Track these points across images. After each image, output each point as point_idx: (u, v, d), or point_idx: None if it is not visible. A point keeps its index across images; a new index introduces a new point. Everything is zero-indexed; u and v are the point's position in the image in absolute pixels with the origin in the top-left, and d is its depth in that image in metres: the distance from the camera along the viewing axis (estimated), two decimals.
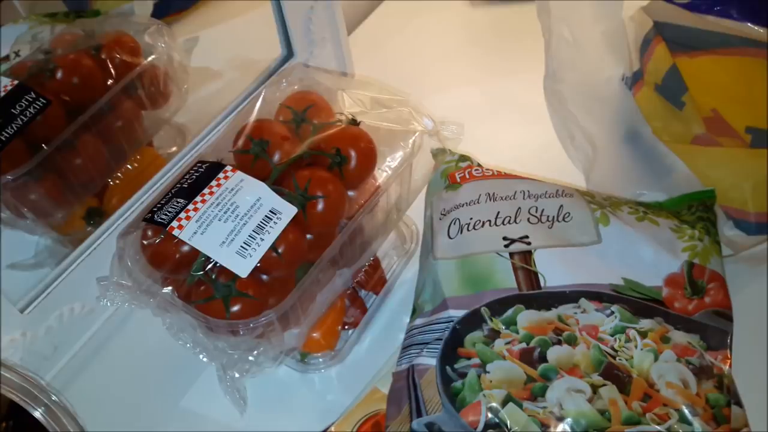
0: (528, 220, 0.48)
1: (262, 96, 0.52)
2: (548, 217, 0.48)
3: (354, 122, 0.50)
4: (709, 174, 0.52)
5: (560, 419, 0.39)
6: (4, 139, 0.49)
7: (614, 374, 0.41)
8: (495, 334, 0.43)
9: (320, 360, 0.53)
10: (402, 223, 0.60)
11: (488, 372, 0.41)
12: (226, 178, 0.46)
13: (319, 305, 0.49)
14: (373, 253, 0.57)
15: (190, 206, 0.44)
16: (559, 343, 0.42)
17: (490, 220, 0.48)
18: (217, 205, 0.44)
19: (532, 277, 0.45)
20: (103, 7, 0.60)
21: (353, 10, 0.85)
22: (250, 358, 0.46)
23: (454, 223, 0.49)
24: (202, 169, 0.46)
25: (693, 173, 0.53)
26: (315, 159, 0.48)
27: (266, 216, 0.44)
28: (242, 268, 0.42)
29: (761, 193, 0.51)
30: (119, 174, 0.60)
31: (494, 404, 0.40)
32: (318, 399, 0.52)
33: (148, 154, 0.62)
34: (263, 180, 0.46)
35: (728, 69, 0.54)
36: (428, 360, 0.43)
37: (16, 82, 0.51)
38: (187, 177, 0.46)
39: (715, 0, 0.54)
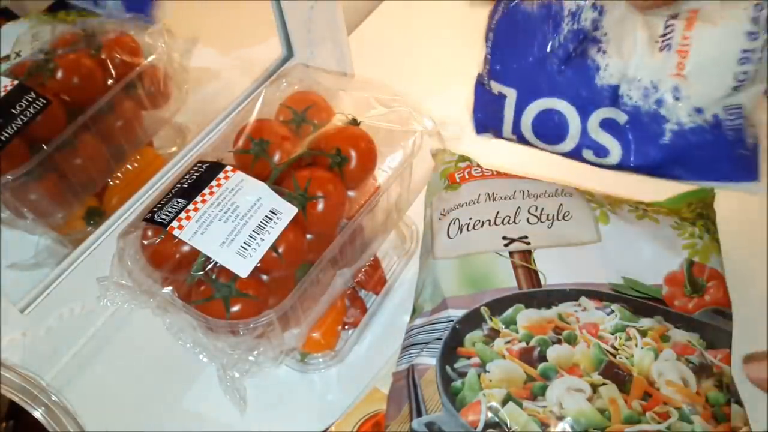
0: (527, 219, 0.48)
1: (262, 96, 0.52)
2: (548, 216, 0.48)
3: (354, 122, 0.50)
4: None
5: (560, 418, 0.39)
6: (4, 139, 0.49)
7: (614, 373, 0.41)
8: (495, 333, 0.43)
9: (320, 360, 0.53)
10: (402, 223, 0.60)
11: (488, 371, 0.41)
12: (226, 178, 0.46)
13: (319, 305, 0.49)
14: (373, 253, 0.57)
15: (190, 206, 0.44)
16: (559, 342, 0.42)
17: (489, 220, 0.48)
18: (218, 205, 0.44)
19: (532, 275, 0.45)
20: None
21: (353, 10, 0.85)
22: (250, 358, 0.46)
23: (454, 223, 0.49)
24: (202, 169, 0.46)
25: None
26: (315, 159, 0.48)
27: (266, 216, 0.44)
28: (242, 268, 0.42)
29: None
30: (119, 174, 0.60)
31: (494, 403, 0.40)
32: (318, 399, 0.52)
33: (148, 154, 0.62)
34: (263, 180, 0.46)
35: None
36: (428, 360, 0.43)
37: (16, 82, 0.51)
38: (187, 177, 0.46)
39: None
